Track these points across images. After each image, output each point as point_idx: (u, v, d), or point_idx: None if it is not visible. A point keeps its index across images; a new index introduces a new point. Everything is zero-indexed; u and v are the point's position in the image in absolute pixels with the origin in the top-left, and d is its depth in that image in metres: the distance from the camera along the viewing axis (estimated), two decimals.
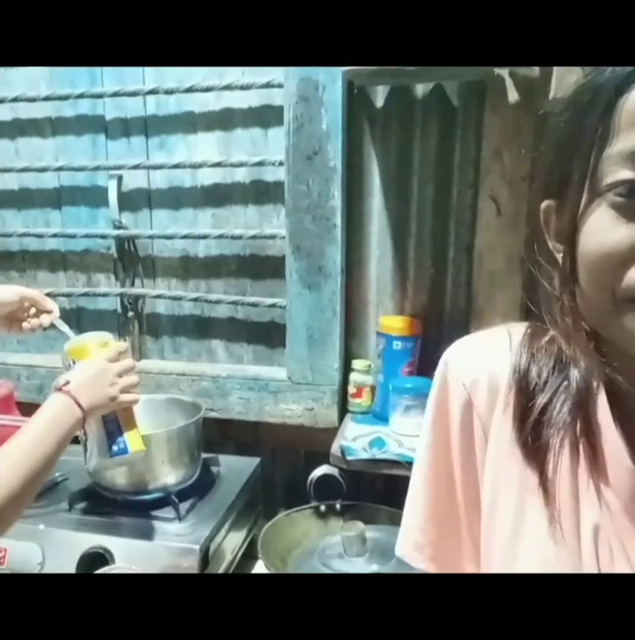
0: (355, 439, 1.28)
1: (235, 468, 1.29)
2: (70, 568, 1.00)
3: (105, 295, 1.45)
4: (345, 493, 1.31)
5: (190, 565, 0.99)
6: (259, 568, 1.26)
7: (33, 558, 1.03)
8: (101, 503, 1.11)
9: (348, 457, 1.20)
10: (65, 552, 1.02)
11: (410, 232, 1.33)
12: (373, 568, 1.11)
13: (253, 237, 1.35)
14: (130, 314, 1.45)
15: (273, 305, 1.38)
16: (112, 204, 1.39)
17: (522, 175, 1.22)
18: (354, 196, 1.32)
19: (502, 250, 1.21)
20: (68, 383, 0.93)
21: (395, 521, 1.29)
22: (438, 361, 0.61)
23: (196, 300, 1.41)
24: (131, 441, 0.99)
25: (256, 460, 1.34)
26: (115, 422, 0.99)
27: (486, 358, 0.56)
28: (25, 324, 1.06)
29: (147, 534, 1.04)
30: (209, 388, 1.40)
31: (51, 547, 1.03)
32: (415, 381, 1.31)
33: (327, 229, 1.28)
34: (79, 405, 0.90)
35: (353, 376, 1.40)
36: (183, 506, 1.10)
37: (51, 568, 1.02)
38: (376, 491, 1.37)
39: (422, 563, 0.61)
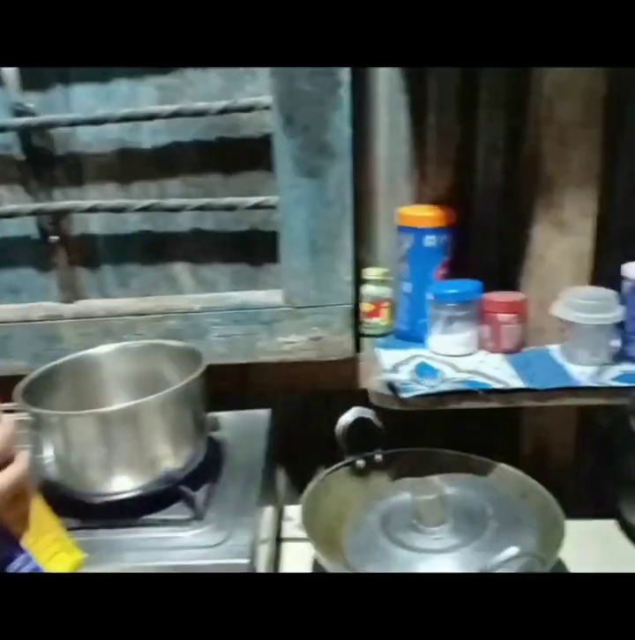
0: (396, 369, 0.97)
1: (241, 428, 0.95)
2: None
3: (13, 216, 1.02)
4: (384, 440, 1.01)
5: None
6: (296, 551, 0.94)
7: None
8: (72, 512, 0.74)
9: (405, 395, 0.88)
10: None
11: (429, 91, 1.00)
12: (460, 540, 0.82)
13: (222, 112, 0.96)
14: (53, 239, 1.03)
15: (256, 206, 1.01)
16: (9, 81, 0.95)
17: None
18: None
19: (577, 92, 0.90)
20: None
21: (463, 467, 1.02)
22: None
23: (145, 209, 1.01)
24: (42, 551, 0.56)
25: (264, 413, 1.00)
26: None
27: None
28: None
29: (161, 556, 0.67)
30: (178, 328, 1.03)
31: None
32: (460, 285, 1.01)
33: (330, 89, 0.93)
34: None
35: (367, 290, 1.08)
36: (198, 497, 0.75)
37: None
38: (420, 432, 1.06)
39: None
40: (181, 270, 1.08)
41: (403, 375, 0.95)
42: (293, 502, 1.19)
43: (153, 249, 1.07)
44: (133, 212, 1.02)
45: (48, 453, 0.71)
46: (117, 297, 1.08)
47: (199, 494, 0.75)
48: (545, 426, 1.07)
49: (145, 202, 1.01)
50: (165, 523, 0.72)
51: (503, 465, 0.98)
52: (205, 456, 0.82)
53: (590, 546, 0.82)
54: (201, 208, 1.01)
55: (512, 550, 0.70)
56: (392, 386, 0.90)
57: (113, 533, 0.71)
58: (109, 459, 0.70)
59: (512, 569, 0.71)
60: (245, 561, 0.66)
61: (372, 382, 0.94)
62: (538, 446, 1.10)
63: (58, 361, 0.82)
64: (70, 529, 0.71)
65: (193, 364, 0.80)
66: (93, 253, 1.07)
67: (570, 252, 0.98)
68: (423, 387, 0.90)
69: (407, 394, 0.88)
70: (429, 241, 1.01)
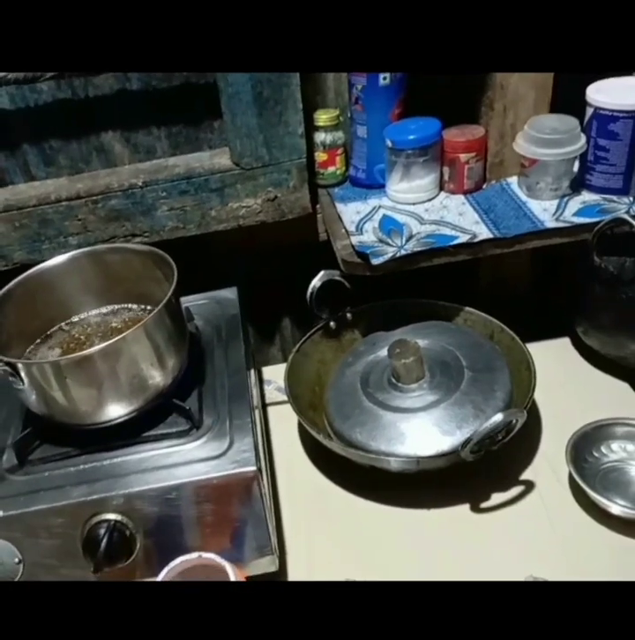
0: (360, 228, 0.94)
1: (212, 313, 0.92)
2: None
3: None
4: (352, 298, 1.01)
5: (251, 495, 0.68)
6: (281, 415, 0.98)
7: (6, 558, 0.67)
8: (68, 440, 0.73)
9: (375, 261, 0.87)
10: (51, 536, 0.67)
11: None
12: (439, 395, 0.87)
13: None
14: None
15: None
16: None
17: None
18: None
19: None
20: None
21: (430, 314, 1.04)
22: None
23: (58, 77, 0.87)
24: None
25: (231, 293, 0.96)
26: None
27: None
28: None
29: (167, 475, 0.68)
30: (122, 207, 0.95)
31: (28, 536, 0.67)
32: (419, 129, 0.94)
33: None
34: None
35: (319, 137, 1.00)
36: (192, 405, 0.75)
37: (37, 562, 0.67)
38: (383, 284, 1.06)
39: None
40: (111, 138, 0.97)
41: (369, 236, 0.92)
42: (266, 358, 1.22)
43: (77, 118, 0.93)
44: (44, 82, 0.88)
45: (32, 396, 0.69)
46: (46, 179, 0.97)
47: (192, 403, 0.75)
48: (501, 262, 1.08)
49: None
50: (164, 437, 0.73)
51: (468, 309, 1.00)
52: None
53: (549, 361, 0.91)
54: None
55: (498, 417, 0.75)
56: (361, 254, 0.88)
57: (113, 456, 0.71)
58: (98, 395, 0.68)
59: (499, 429, 0.77)
60: (252, 468, 0.68)
61: (339, 248, 0.91)
62: (495, 279, 1.12)
63: (11, 285, 0.75)
64: (68, 457, 0.72)
65: (158, 268, 0.75)
66: (5, 131, 0.93)
67: (532, 79, 0.92)
68: (392, 248, 0.89)
69: (378, 260, 0.86)
70: (384, 80, 0.92)
